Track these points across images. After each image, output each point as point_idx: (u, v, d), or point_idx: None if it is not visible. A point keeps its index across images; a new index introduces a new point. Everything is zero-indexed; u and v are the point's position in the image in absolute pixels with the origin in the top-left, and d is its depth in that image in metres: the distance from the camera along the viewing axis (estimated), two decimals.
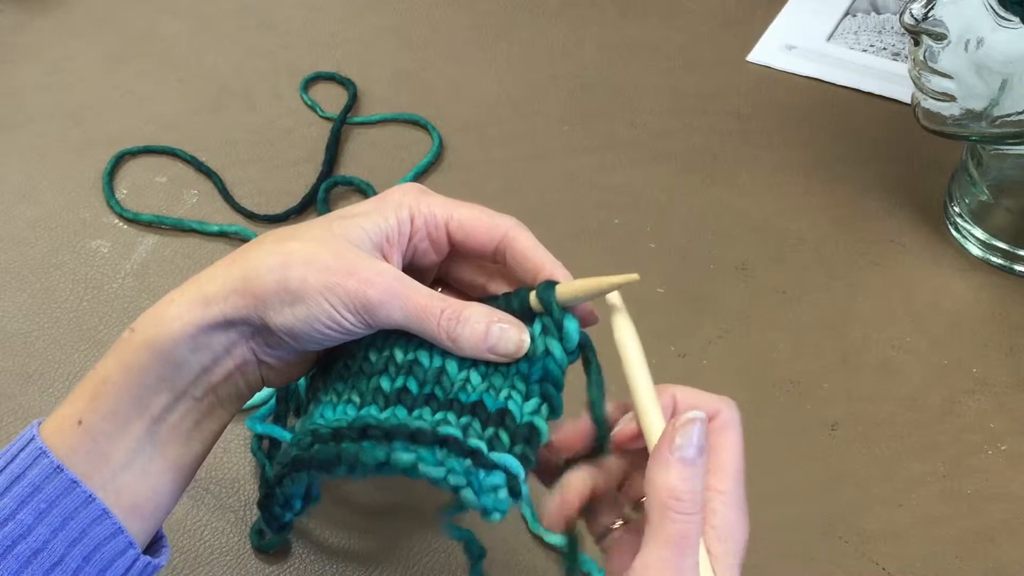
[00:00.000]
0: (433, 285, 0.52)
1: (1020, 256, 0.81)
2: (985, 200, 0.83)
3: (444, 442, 0.43)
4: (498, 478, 0.43)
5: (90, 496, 0.45)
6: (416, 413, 0.45)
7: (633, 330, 0.47)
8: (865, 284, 0.81)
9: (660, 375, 0.73)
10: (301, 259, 0.46)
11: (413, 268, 0.50)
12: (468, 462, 0.43)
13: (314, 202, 0.88)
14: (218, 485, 0.68)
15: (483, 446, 0.44)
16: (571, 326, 0.47)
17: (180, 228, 0.86)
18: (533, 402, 0.46)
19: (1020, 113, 0.73)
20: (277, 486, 0.48)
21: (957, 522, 0.67)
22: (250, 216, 0.87)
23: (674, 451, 0.42)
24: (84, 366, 0.75)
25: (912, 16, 0.73)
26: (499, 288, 0.51)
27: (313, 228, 0.48)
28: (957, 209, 0.84)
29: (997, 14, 0.70)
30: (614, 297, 0.47)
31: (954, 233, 0.84)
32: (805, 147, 0.93)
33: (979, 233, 0.82)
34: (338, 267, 0.46)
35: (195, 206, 0.88)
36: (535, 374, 0.46)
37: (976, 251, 0.83)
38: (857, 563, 0.64)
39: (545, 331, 0.46)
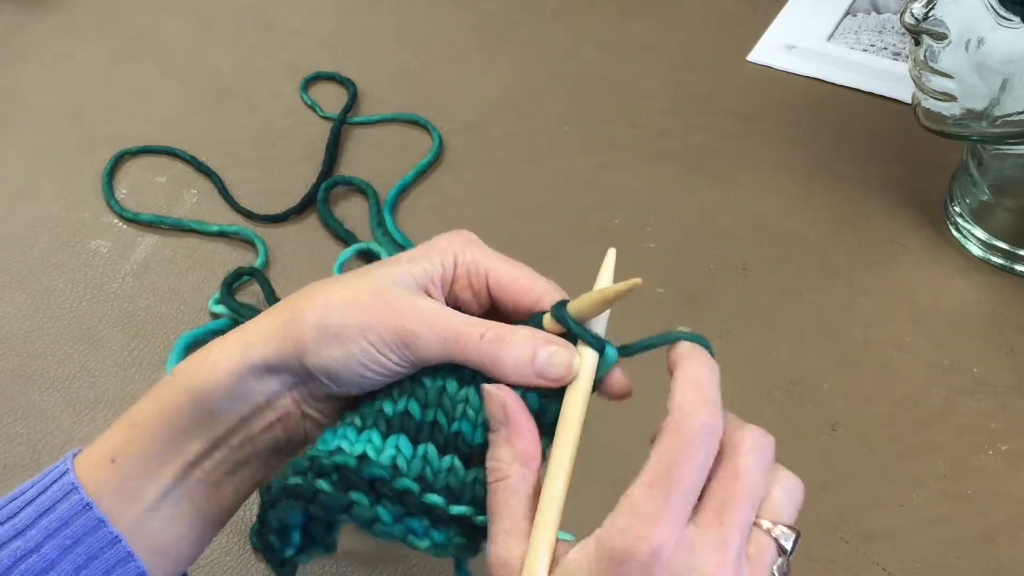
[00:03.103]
0: None
1: (1021, 256, 0.81)
2: (986, 200, 0.83)
3: (455, 522, 0.43)
4: None
5: (116, 537, 0.45)
6: (421, 449, 0.44)
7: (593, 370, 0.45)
8: (865, 284, 0.81)
9: (660, 375, 0.74)
10: (340, 300, 0.45)
11: None
12: (479, 536, 0.43)
13: (314, 202, 0.88)
14: None
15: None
16: (612, 353, 0.45)
17: (180, 228, 0.86)
18: (542, 443, 0.44)
19: (1021, 113, 0.73)
20: (269, 509, 0.46)
21: (957, 522, 0.66)
22: (250, 216, 0.87)
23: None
24: (84, 366, 0.75)
25: (912, 16, 0.73)
26: None
27: (356, 274, 0.47)
28: (958, 209, 0.84)
29: (998, 14, 0.70)
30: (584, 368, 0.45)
31: (955, 233, 0.84)
32: (805, 147, 0.93)
33: (980, 233, 0.82)
34: (376, 304, 0.45)
35: (195, 206, 0.88)
36: (548, 417, 0.44)
37: (977, 251, 0.83)
38: (857, 563, 0.64)
39: None
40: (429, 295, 0.47)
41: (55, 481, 0.45)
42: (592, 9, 1.09)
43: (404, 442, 0.44)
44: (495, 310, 0.49)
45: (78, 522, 0.44)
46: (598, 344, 0.44)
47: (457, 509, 0.43)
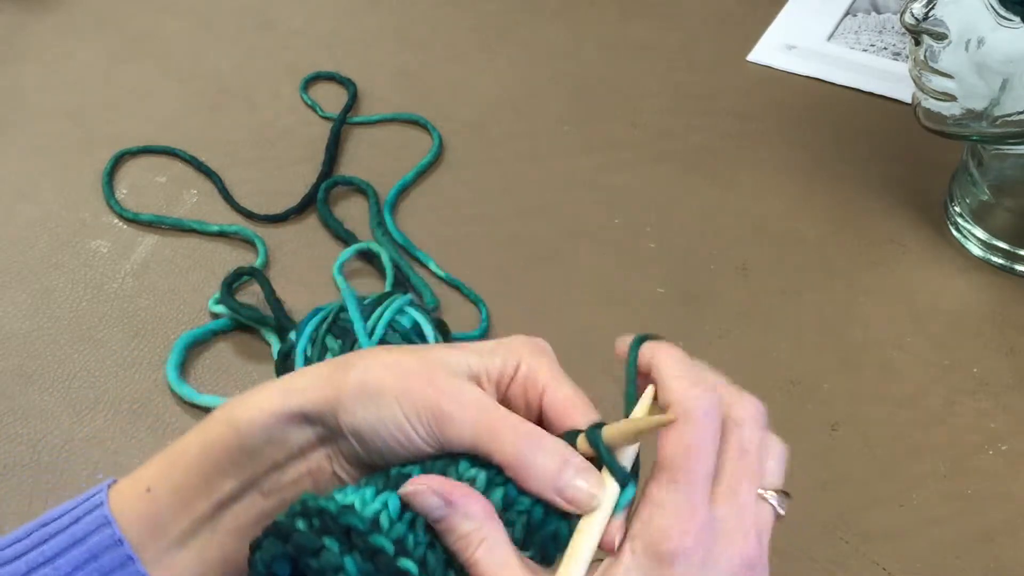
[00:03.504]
0: None
1: (1021, 256, 0.81)
2: (986, 200, 0.83)
3: None
4: None
5: (143, 575, 0.44)
6: (408, 515, 0.42)
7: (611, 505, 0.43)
8: (865, 284, 0.81)
9: None
10: (386, 363, 0.45)
11: None
12: None
13: (314, 202, 0.88)
14: None
15: None
16: (631, 491, 0.43)
17: (180, 228, 0.86)
18: (527, 553, 0.42)
19: (1021, 113, 0.73)
20: (257, 548, 0.44)
21: (957, 522, 0.66)
22: (250, 216, 0.87)
23: None
24: (84, 366, 0.75)
25: (913, 16, 0.73)
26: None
27: (416, 348, 0.47)
28: (958, 209, 0.84)
29: (998, 13, 0.70)
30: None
31: (955, 233, 0.84)
32: (805, 147, 0.93)
33: (980, 233, 0.82)
34: (420, 374, 0.44)
35: (195, 206, 0.88)
36: (547, 531, 0.42)
37: (977, 251, 0.83)
38: (857, 563, 0.64)
39: None
40: (480, 385, 0.46)
41: (89, 512, 0.45)
42: (592, 9, 1.09)
43: (394, 499, 0.42)
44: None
45: (107, 556, 0.44)
46: (623, 478, 0.43)
47: None
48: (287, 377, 0.47)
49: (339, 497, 0.43)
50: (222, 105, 0.98)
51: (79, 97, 0.99)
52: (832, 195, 0.88)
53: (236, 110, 0.98)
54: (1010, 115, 0.74)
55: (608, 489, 0.42)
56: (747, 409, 0.44)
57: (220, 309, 0.78)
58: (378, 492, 0.43)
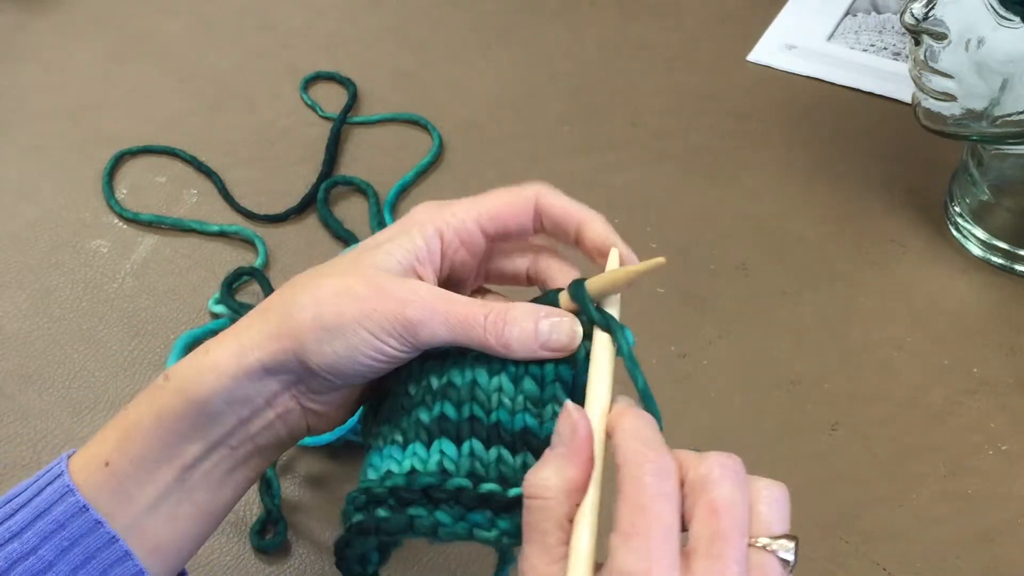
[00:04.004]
0: (474, 295, 0.51)
1: (1021, 256, 0.81)
2: (986, 200, 0.83)
3: (517, 504, 0.42)
4: None
5: (113, 537, 0.44)
6: (466, 447, 0.43)
7: (612, 351, 0.44)
8: (865, 284, 0.81)
9: (660, 375, 0.74)
10: (332, 293, 0.45)
11: (452, 282, 0.49)
12: None
13: (314, 202, 0.88)
14: None
15: None
16: (625, 337, 0.44)
17: (180, 228, 0.86)
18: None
19: (1021, 113, 0.73)
20: (346, 547, 0.46)
21: (957, 522, 0.66)
22: (250, 216, 0.87)
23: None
24: (84, 366, 0.75)
25: (913, 16, 0.73)
26: (549, 263, 0.50)
27: (341, 262, 0.47)
28: (958, 209, 0.84)
29: (998, 13, 0.70)
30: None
31: (955, 233, 0.84)
32: (805, 147, 0.93)
33: (980, 233, 0.82)
34: (371, 294, 0.44)
35: (195, 206, 0.88)
36: (582, 379, 0.44)
37: (977, 251, 0.83)
38: (857, 563, 0.64)
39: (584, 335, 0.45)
40: (416, 275, 0.47)
41: (50, 483, 0.45)
42: (592, 9, 1.09)
43: (448, 444, 0.44)
44: (489, 251, 0.49)
45: (74, 524, 0.44)
46: (605, 322, 0.44)
47: (516, 491, 0.42)
48: (233, 334, 0.46)
49: (393, 466, 0.44)
50: (222, 105, 0.98)
51: (79, 97, 0.99)
52: (832, 195, 0.88)
53: (236, 110, 0.98)
54: (1010, 115, 0.74)
55: (599, 340, 0.44)
56: (715, 465, 0.39)
57: (220, 309, 0.78)
58: (427, 445, 0.44)
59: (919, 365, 0.75)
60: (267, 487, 0.67)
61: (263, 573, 0.64)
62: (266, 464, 0.49)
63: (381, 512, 0.43)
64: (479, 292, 0.52)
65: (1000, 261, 0.82)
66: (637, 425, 0.41)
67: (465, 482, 0.43)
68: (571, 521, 0.39)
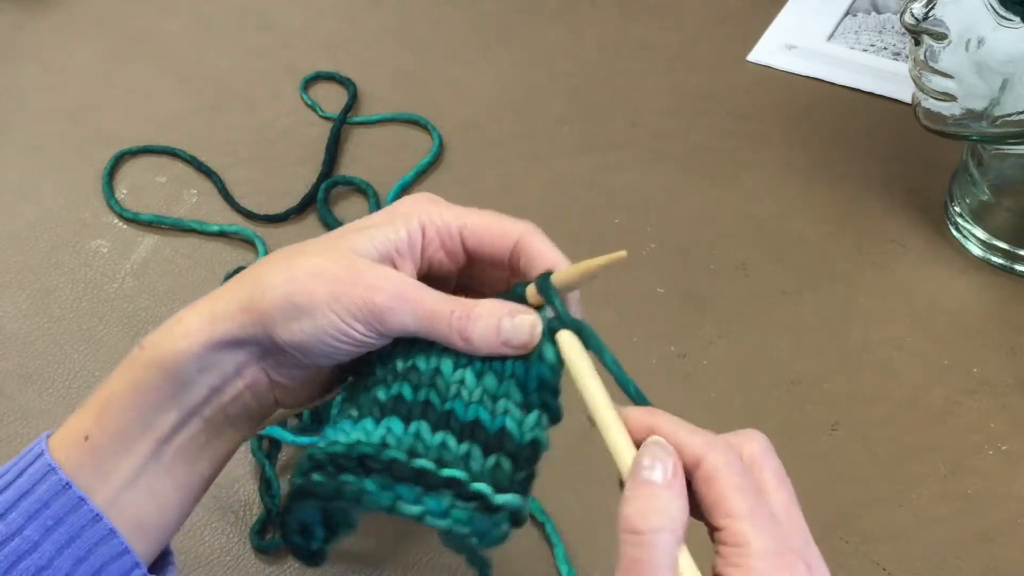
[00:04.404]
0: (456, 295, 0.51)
1: (1021, 256, 0.81)
2: (986, 200, 0.83)
3: (448, 485, 0.42)
4: (503, 522, 0.42)
5: (97, 515, 0.45)
6: (413, 427, 0.44)
7: (580, 347, 0.45)
8: (865, 284, 0.81)
9: (660, 375, 0.74)
10: (305, 272, 0.45)
11: (432, 279, 0.49)
12: (472, 505, 0.42)
13: (314, 202, 0.88)
14: (217, 485, 0.68)
15: (487, 490, 0.42)
16: (549, 351, 0.45)
17: (180, 228, 0.86)
18: (533, 416, 0.44)
19: (1021, 113, 0.73)
20: (286, 513, 0.46)
21: (957, 522, 0.66)
22: (250, 216, 0.87)
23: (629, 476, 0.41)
24: (84, 366, 0.75)
25: (913, 16, 0.73)
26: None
27: (320, 242, 0.47)
28: (958, 209, 0.84)
29: (998, 14, 0.70)
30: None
31: (955, 233, 0.84)
32: (805, 147, 0.93)
33: (980, 233, 0.82)
34: (344, 277, 0.45)
35: (195, 206, 0.88)
36: (532, 382, 0.45)
37: (977, 251, 0.83)
38: (857, 563, 0.64)
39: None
40: (393, 264, 0.47)
41: (31, 463, 0.46)
42: (592, 9, 1.09)
43: (396, 423, 0.44)
44: (473, 264, 0.49)
45: (58, 502, 0.44)
46: (571, 318, 0.45)
47: (450, 472, 0.43)
48: (207, 302, 0.46)
49: (341, 436, 0.45)
50: (222, 105, 0.98)
51: (79, 97, 0.99)
52: (832, 195, 0.88)
53: (236, 110, 0.98)
54: (1010, 115, 0.74)
55: (566, 339, 0.44)
56: (759, 443, 0.43)
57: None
58: (378, 421, 0.45)
59: (919, 365, 0.75)
60: (267, 487, 0.67)
61: (263, 573, 0.64)
62: (239, 437, 0.49)
63: (316, 476, 0.44)
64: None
65: (1000, 261, 0.82)
66: (677, 421, 0.42)
67: (400, 455, 0.43)
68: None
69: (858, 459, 0.70)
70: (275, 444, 0.69)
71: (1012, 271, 0.81)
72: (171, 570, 0.49)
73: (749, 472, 0.41)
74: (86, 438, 0.46)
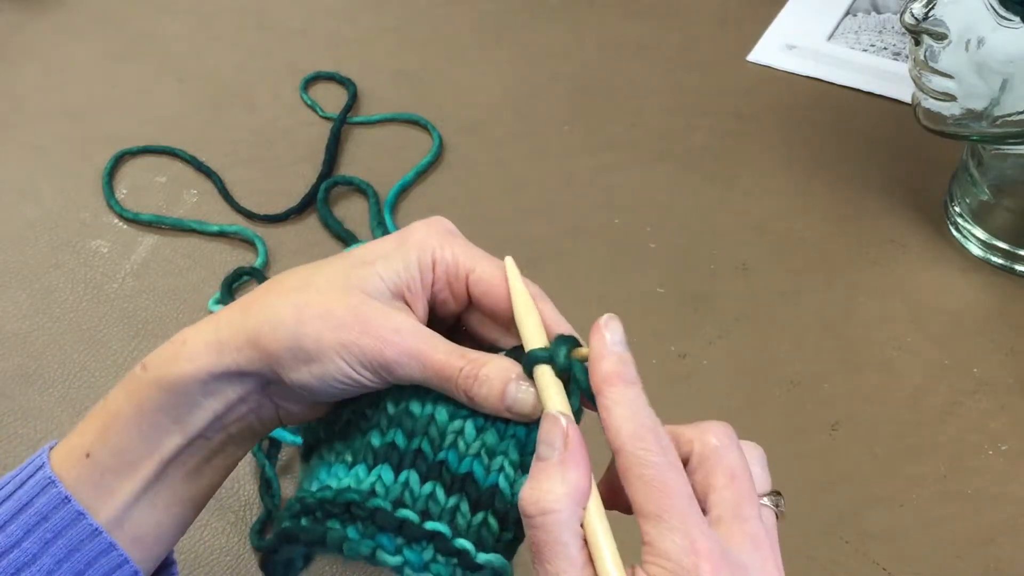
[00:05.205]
0: (453, 328, 0.50)
1: (1021, 256, 0.81)
2: (986, 200, 0.83)
3: (431, 538, 0.42)
4: None
5: (96, 529, 0.45)
6: (403, 476, 0.44)
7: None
8: (865, 284, 0.81)
9: (660, 375, 0.74)
10: (315, 314, 0.45)
11: (433, 314, 0.49)
12: (454, 561, 0.42)
13: (314, 202, 0.88)
14: None
15: (470, 548, 0.42)
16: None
17: (180, 228, 0.86)
18: (525, 479, 0.43)
19: (1021, 113, 0.73)
20: (273, 553, 0.46)
21: (957, 522, 0.66)
22: (250, 216, 0.87)
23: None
24: (84, 366, 0.75)
25: (913, 16, 0.73)
26: (513, 343, 0.49)
27: (330, 275, 0.46)
28: (958, 209, 0.84)
29: (998, 14, 0.70)
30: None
31: (955, 233, 0.84)
32: (805, 147, 0.93)
33: (980, 233, 0.82)
34: (353, 323, 0.44)
35: (195, 206, 0.88)
36: (532, 445, 0.44)
37: (977, 251, 0.83)
38: (857, 563, 0.64)
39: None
40: (406, 301, 0.47)
41: (32, 476, 0.46)
42: (592, 9, 1.09)
43: (387, 471, 0.44)
44: (472, 305, 0.49)
45: (57, 516, 0.44)
46: (588, 396, 0.44)
47: (432, 525, 0.42)
48: (208, 326, 0.46)
49: (333, 482, 0.45)
50: (222, 105, 0.98)
51: (79, 97, 0.99)
52: (832, 195, 0.88)
53: (236, 110, 0.98)
54: (1010, 115, 0.74)
55: (541, 371, 0.44)
56: (716, 436, 0.42)
57: (220, 309, 0.77)
58: (370, 468, 0.44)
59: (919, 365, 0.75)
60: (267, 487, 0.67)
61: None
62: (241, 452, 0.49)
63: (304, 521, 0.44)
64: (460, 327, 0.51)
65: (1000, 261, 0.82)
66: (625, 398, 0.41)
67: (384, 504, 0.43)
68: (582, 526, 0.40)
69: (858, 459, 0.70)
70: (275, 444, 0.69)
71: (1012, 271, 0.81)
72: (173, 571, 0.49)
73: (703, 466, 0.41)
74: (87, 455, 0.46)
